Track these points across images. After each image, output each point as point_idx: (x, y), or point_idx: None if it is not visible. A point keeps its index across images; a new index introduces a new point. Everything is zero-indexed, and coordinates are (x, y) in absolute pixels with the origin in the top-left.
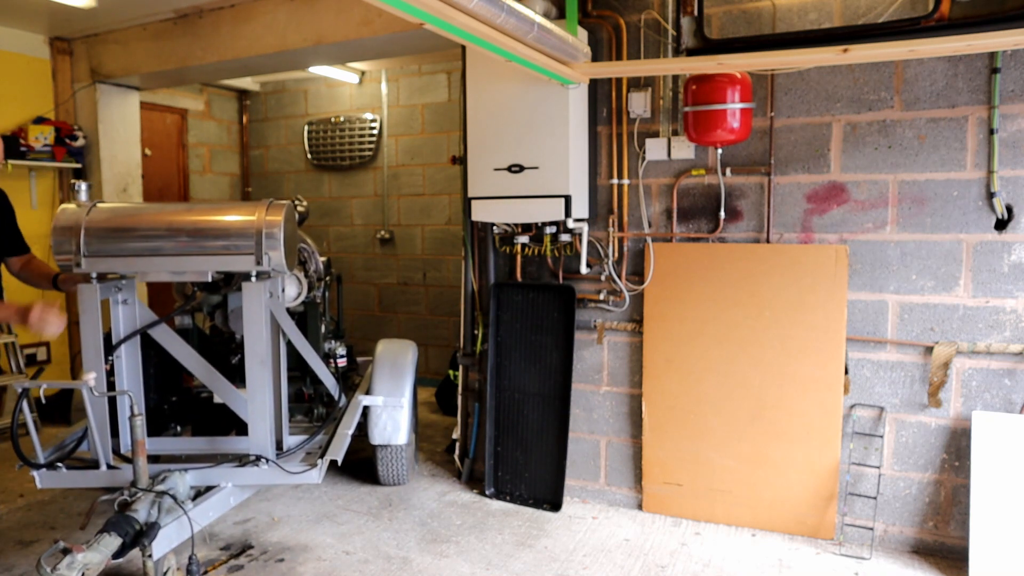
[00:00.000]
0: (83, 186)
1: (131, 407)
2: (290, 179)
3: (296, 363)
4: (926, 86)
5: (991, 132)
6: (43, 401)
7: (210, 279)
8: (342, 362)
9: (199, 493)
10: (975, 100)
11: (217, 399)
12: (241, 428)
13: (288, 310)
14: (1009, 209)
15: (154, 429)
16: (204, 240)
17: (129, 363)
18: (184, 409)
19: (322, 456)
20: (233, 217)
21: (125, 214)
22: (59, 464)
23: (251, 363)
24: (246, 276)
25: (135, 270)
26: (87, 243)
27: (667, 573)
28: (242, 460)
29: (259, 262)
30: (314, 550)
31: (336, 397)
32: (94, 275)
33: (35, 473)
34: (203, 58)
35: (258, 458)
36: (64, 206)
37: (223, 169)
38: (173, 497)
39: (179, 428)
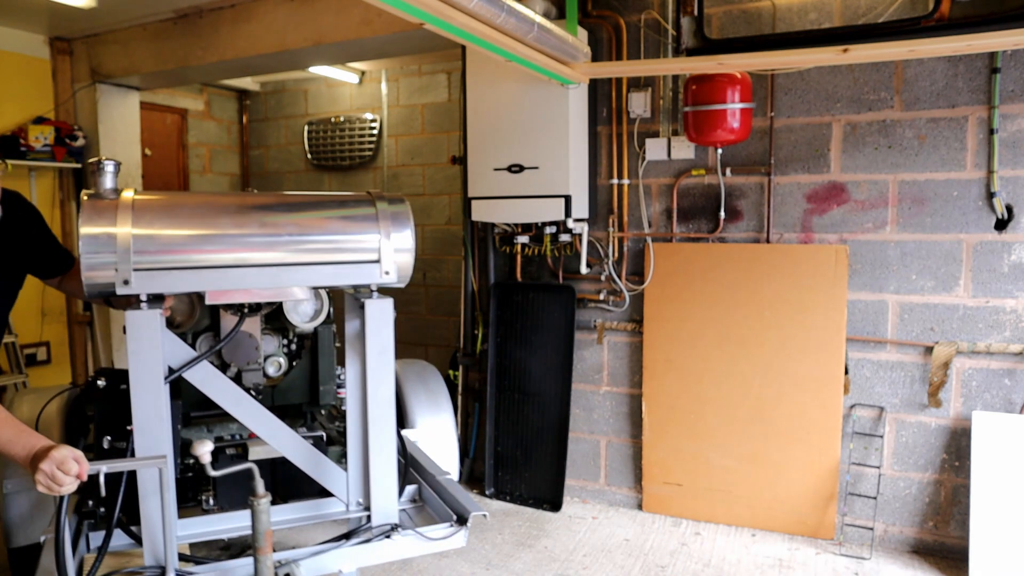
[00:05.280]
0: (110, 165)
1: (255, 483)
2: (290, 179)
3: (310, 395)
4: (926, 86)
5: (991, 132)
6: (105, 490)
7: (304, 296)
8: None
9: None
10: (975, 100)
11: (258, 455)
12: (285, 494)
13: (300, 334)
14: (1009, 209)
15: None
16: (311, 245)
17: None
18: (202, 473)
19: (459, 519)
20: (349, 214)
21: (190, 209)
22: None
23: (376, 406)
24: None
25: (212, 287)
26: (139, 251)
27: (667, 573)
28: (362, 533)
29: (387, 271)
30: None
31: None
32: (144, 297)
33: None
34: (203, 58)
35: (393, 528)
36: (88, 196)
37: (223, 169)
38: None
39: (211, 501)
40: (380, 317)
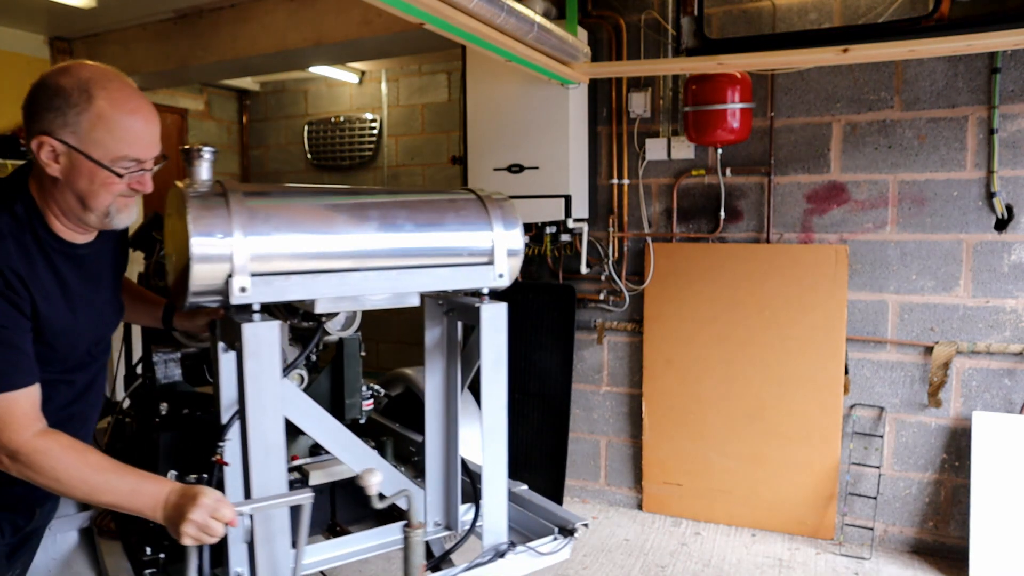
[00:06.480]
0: (208, 153)
1: (411, 511)
2: (290, 179)
3: (332, 409)
4: (926, 86)
5: (991, 132)
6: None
7: (417, 303)
8: (368, 404)
9: None
10: (975, 100)
11: (319, 479)
12: (347, 520)
13: (324, 344)
14: (1009, 209)
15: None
16: (429, 246)
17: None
18: None
19: (564, 530)
20: (461, 210)
21: (305, 205)
22: None
23: (491, 418)
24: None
25: (334, 292)
26: (257, 256)
27: (667, 573)
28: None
29: (501, 274)
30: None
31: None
32: (256, 306)
33: None
34: (203, 58)
35: (511, 545)
36: (188, 188)
37: (223, 169)
38: None
39: None
40: (496, 323)
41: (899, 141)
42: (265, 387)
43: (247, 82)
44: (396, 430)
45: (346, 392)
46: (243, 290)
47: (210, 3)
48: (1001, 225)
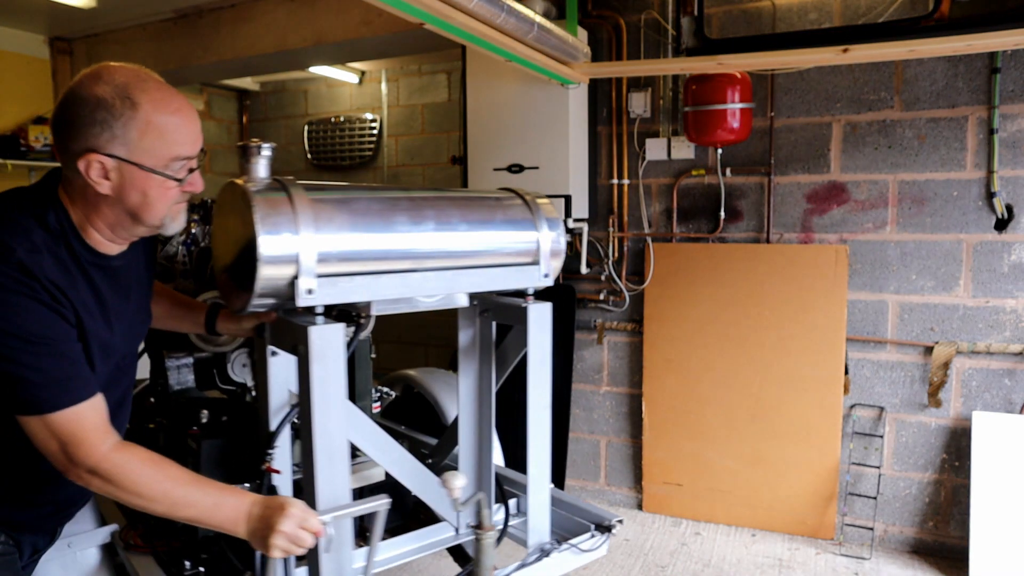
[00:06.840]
0: (268, 150)
1: (483, 513)
2: None
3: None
4: (926, 86)
5: (991, 132)
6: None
7: (467, 303)
8: (376, 407)
9: None
10: (975, 100)
11: (353, 484)
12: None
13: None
14: (1009, 209)
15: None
16: (480, 246)
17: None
18: None
19: (600, 527)
20: (508, 212)
21: (365, 205)
22: None
23: (537, 416)
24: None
25: (396, 293)
26: (323, 258)
27: (667, 573)
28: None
29: (546, 274)
30: None
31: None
32: (320, 309)
33: None
34: (203, 58)
35: (557, 543)
36: (248, 185)
37: (223, 169)
38: None
39: None
40: (542, 323)
41: (899, 141)
42: (331, 391)
43: (247, 82)
44: (404, 432)
45: (356, 395)
46: (310, 292)
47: (210, 3)
48: (1001, 225)
